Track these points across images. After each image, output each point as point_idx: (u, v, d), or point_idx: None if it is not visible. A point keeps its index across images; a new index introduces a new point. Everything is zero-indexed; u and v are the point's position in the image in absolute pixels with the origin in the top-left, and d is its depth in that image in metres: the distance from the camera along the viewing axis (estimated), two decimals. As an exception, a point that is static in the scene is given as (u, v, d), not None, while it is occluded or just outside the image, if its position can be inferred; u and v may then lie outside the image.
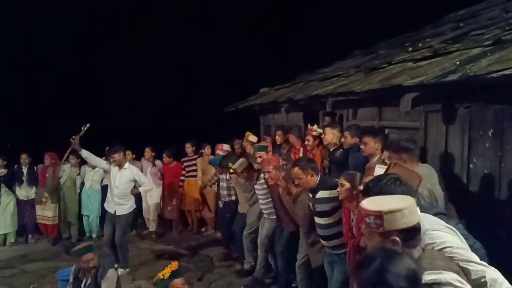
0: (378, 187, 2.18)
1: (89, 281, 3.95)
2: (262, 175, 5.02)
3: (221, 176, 6.35)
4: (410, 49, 5.62)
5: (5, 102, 9.82)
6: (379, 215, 1.77)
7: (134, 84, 11.46)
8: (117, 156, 5.78)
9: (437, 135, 4.08)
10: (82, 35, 10.92)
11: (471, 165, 3.68)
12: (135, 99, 11.47)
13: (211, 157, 7.35)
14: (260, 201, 5.19)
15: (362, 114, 5.49)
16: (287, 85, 8.16)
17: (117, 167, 5.84)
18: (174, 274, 3.42)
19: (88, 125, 5.77)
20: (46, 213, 7.30)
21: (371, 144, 4.04)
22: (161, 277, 3.42)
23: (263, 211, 5.21)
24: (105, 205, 6.11)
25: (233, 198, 6.19)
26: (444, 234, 1.97)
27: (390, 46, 7.33)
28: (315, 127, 5.13)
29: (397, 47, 6.77)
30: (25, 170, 7.31)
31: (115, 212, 5.87)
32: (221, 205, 6.49)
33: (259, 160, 4.99)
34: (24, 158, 7.30)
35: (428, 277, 1.63)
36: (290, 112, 7.06)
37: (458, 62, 3.66)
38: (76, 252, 4.12)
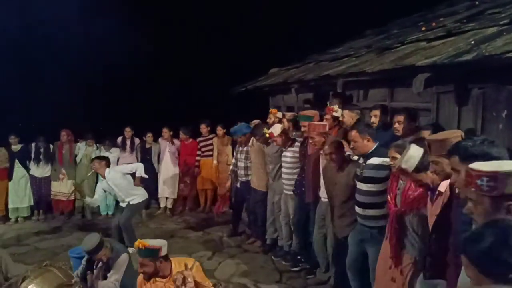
0: (469, 147, 1.99)
1: (100, 263, 4.00)
2: (297, 143, 5.13)
3: (238, 156, 6.36)
4: (423, 28, 5.51)
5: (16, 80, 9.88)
6: (494, 175, 1.59)
7: (147, 66, 11.45)
8: (97, 164, 5.83)
9: (449, 116, 4.03)
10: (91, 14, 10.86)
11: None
12: (149, 82, 11.49)
13: (226, 137, 7.42)
14: (285, 170, 5.22)
15: (373, 94, 5.44)
16: (297, 66, 8.07)
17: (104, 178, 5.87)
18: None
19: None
20: (62, 189, 7.48)
21: (405, 123, 3.99)
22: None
23: (285, 186, 5.25)
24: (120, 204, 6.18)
25: (250, 178, 6.21)
26: None
27: (403, 25, 7.19)
28: (336, 107, 5.00)
29: (409, 26, 6.63)
30: (42, 149, 7.46)
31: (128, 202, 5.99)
32: (238, 185, 6.49)
33: (304, 128, 4.93)
34: (41, 140, 7.45)
35: None
36: (300, 93, 7.01)
37: (473, 42, 3.58)
38: (89, 251, 3.94)
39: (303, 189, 4.93)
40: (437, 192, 2.69)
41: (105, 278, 3.91)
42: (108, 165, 5.88)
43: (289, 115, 5.74)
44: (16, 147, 7.38)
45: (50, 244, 6.40)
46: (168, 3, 11.35)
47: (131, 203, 5.93)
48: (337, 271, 4.40)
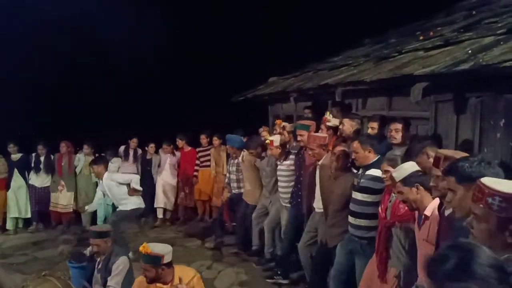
0: (467, 168, 2.01)
1: (100, 265, 4.01)
2: (291, 156, 5.13)
3: (230, 168, 6.37)
4: (421, 37, 5.55)
5: (20, 90, 9.91)
6: (509, 197, 1.56)
7: (147, 76, 11.49)
8: (96, 168, 5.81)
9: (447, 125, 4.04)
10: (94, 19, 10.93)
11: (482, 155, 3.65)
12: (149, 91, 11.51)
13: (222, 147, 7.42)
14: (281, 183, 5.22)
15: (372, 103, 5.46)
16: (296, 74, 8.10)
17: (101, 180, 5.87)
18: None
19: None
20: (61, 200, 7.45)
21: (403, 132, 4.00)
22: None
23: (282, 198, 5.26)
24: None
25: (243, 190, 6.22)
26: None
27: (401, 34, 7.24)
28: (330, 116, 5.06)
29: (407, 35, 6.68)
30: (42, 159, 7.46)
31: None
32: (229, 197, 6.48)
33: (300, 138, 4.95)
34: (40, 149, 7.45)
35: None
36: (299, 102, 7.03)
37: (470, 51, 3.61)
38: (92, 232, 4.18)
39: (299, 200, 4.92)
40: (423, 216, 2.73)
41: (105, 281, 3.91)
42: (106, 167, 5.86)
43: (289, 126, 5.68)
44: (15, 156, 7.37)
45: (48, 254, 6.37)
46: (165, 13, 11.41)
47: (121, 208, 5.91)
48: (315, 279, 4.42)
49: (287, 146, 5.35)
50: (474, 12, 5.80)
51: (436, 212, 2.62)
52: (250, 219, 5.94)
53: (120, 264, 3.92)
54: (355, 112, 5.53)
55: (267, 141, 5.36)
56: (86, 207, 6.16)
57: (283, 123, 5.96)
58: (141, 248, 3.30)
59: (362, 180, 3.77)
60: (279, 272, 5.18)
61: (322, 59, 8.53)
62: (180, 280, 3.14)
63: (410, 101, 4.07)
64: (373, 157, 3.80)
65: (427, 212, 2.70)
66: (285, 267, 5.15)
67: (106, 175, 5.78)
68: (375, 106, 5.36)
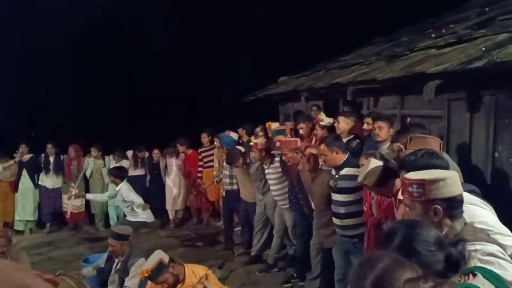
0: (413, 161, 2.22)
1: (119, 265, 4.04)
2: (276, 159, 5.11)
3: (224, 164, 6.36)
4: (433, 35, 5.48)
5: (30, 92, 10.05)
6: (421, 183, 1.80)
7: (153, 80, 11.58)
8: (113, 179, 5.85)
9: (461, 123, 4.00)
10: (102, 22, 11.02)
11: (496, 154, 3.61)
12: (155, 93, 11.59)
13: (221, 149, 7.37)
14: (273, 187, 5.22)
15: (384, 102, 5.42)
16: (307, 73, 8.08)
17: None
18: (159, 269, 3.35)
19: None
20: (73, 201, 7.47)
21: (386, 129, 4.02)
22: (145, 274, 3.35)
23: (277, 201, 5.25)
24: None
25: (235, 187, 6.21)
26: (480, 209, 1.98)
27: (412, 32, 7.17)
28: (323, 116, 5.06)
29: (419, 33, 6.61)
30: (51, 159, 7.48)
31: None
32: (223, 194, 6.51)
33: (278, 143, 4.96)
34: (49, 148, 7.48)
35: (471, 247, 1.65)
36: (310, 101, 7.00)
37: (484, 48, 3.56)
38: (110, 232, 4.24)
39: (300, 202, 4.88)
40: (398, 200, 2.82)
41: (122, 282, 3.94)
42: (123, 179, 5.81)
43: (289, 124, 5.70)
44: (25, 157, 7.40)
45: (62, 254, 6.45)
46: (176, 15, 11.47)
47: (128, 218, 5.92)
48: (324, 280, 4.44)
49: (273, 150, 5.29)
50: (487, 9, 5.71)
51: None
52: (253, 217, 5.94)
53: (139, 266, 3.94)
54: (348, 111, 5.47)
55: (251, 143, 5.34)
56: (88, 195, 6.29)
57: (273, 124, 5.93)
58: (141, 276, 3.38)
59: (338, 182, 3.79)
60: (295, 275, 5.16)
61: (333, 58, 8.49)
62: (206, 276, 3.17)
63: (422, 100, 4.05)
64: (342, 157, 3.83)
65: (400, 195, 2.76)
66: (302, 268, 5.12)
67: (121, 185, 5.77)
68: (387, 105, 5.32)
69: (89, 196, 6.62)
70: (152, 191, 7.68)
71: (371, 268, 1.24)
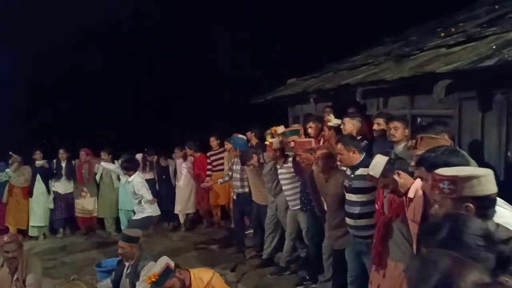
0: (432, 158, 2.17)
1: (129, 269, 4.07)
2: (290, 159, 5.12)
3: (234, 167, 6.37)
4: (442, 34, 5.45)
5: (44, 99, 10.17)
6: (453, 180, 1.76)
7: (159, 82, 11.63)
8: (124, 170, 5.92)
9: (472, 122, 3.95)
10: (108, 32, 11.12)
11: (508, 153, 3.56)
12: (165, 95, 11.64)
13: (236, 151, 7.37)
14: (285, 187, 5.21)
15: (393, 102, 5.38)
16: (315, 75, 8.06)
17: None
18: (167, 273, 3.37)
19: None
20: (86, 206, 7.58)
21: (401, 130, 3.98)
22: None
23: (289, 202, 5.23)
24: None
25: (246, 189, 6.21)
26: (504, 210, 1.93)
27: (421, 32, 7.12)
28: (331, 117, 5.05)
29: (428, 33, 6.56)
30: (63, 164, 7.57)
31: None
32: (234, 197, 6.51)
33: (292, 144, 4.96)
34: (61, 153, 7.58)
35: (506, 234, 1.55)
36: (319, 103, 6.99)
37: (494, 47, 3.53)
38: (122, 234, 4.30)
39: (312, 203, 4.87)
40: (408, 198, 2.87)
41: (133, 286, 3.96)
42: (136, 170, 5.92)
43: (280, 129, 5.62)
44: (39, 163, 7.50)
45: (76, 259, 6.51)
46: (184, 16, 11.52)
47: (134, 217, 5.96)
48: (336, 283, 4.42)
49: (286, 150, 5.30)
50: (497, 7, 5.66)
51: (420, 193, 2.72)
52: (260, 217, 5.96)
53: (149, 269, 3.96)
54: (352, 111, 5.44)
55: (266, 142, 5.35)
56: (102, 163, 6.45)
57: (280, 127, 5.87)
58: (148, 281, 3.38)
59: (353, 181, 3.78)
60: (307, 277, 5.15)
61: (341, 58, 8.47)
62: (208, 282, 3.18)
63: (433, 99, 4.02)
64: (358, 157, 3.82)
65: (410, 194, 2.84)
66: (314, 270, 5.10)
67: (134, 176, 5.82)
68: (396, 105, 5.28)
69: (103, 163, 6.71)
70: (162, 195, 7.71)
71: (434, 268, 1.18)
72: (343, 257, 4.09)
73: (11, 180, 7.27)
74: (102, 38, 11.07)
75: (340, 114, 5.43)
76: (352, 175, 3.82)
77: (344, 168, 4.03)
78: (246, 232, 6.77)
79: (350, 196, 3.83)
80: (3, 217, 7.36)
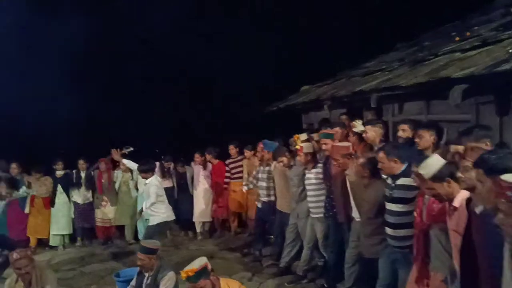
0: (493, 160, 2.04)
1: (149, 280, 4.10)
2: (319, 164, 5.09)
3: (259, 175, 6.38)
4: (457, 38, 5.42)
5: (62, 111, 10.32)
6: None
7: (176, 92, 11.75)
8: (142, 174, 5.97)
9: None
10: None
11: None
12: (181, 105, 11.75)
13: (256, 158, 7.38)
14: (310, 193, 5.18)
15: (409, 108, 5.36)
16: (329, 82, 8.08)
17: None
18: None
19: (131, 148, 6.40)
20: (105, 215, 7.68)
21: (427, 137, 3.92)
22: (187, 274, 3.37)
23: (311, 209, 5.21)
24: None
25: (272, 198, 6.19)
26: None
27: (435, 36, 7.10)
28: (357, 122, 4.99)
29: (442, 37, 6.54)
30: (83, 174, 7.70)
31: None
32: (259, 205, 6.50)
33: (324, 147, 4.93)
34: (81, 163, 7.70)
35: None
36: (333, 109, 6.99)
37: (511, 50, 3.51)
38: (140, 246, 4.29)
39: (334, 210, 4.86)
40: (452, 207, 2.77)
41: None
42: (153, 172, 5.99)
43: (316, 135, 5.57)
44: (59, 173, 7.64)
45: (94, 268, 6.56)
46: (198, 27, 11.63)
47: (148, 224, 5.98)
48: None
49: (317, 155, 5.28)
50: (512, 10, 5.62)
51: (465, 205, 2.65)
52: (282, 225, 5.93)
53: (168, 280, 3.99)
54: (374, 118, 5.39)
55: (296, 147, 5.31)
56: (124, 160, 6.44)
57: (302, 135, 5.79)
58: (184, 275, 3.37)
59: (394, 191, 3.72)
60: (326, 286, 5.12)
61: (354, 65, 8.47)
62: None
63: (449, 104, 3.99)
64: (400, 167, 3.73)
65: (456, 203, 2.75)
66: (333, 279, 5.06)
67: (152, 178, 5.87)
68: (412, 110, 5.26)
69: (124, 161, 6.70)
70: (181, 203, 7.76)
71: None
72: (371, 266, 4.02)
73: (30, 193, 7.37)
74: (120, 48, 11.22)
75: (355, 120, 5.42)
76: (393, 185, 3.75)
77: (385, 177, 3.96)
78: (267, 238, 6.74)
79: (390, 206, 3.75)
80: (25, 228, 7.47)
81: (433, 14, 8.47)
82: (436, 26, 7.93)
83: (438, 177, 2.81)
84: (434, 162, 2.87)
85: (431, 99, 4.84)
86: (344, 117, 6.06)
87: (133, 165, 6.50)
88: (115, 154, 6.42)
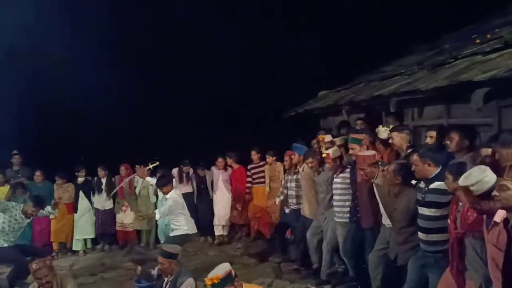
0: None
1: (168, 285, 4.14)
2: (347, 170, 5.07)
3: (288, 184, 6.39)
4: (477, 41, 5.35)
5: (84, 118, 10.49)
6: None
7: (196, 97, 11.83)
8: (165, 189, 5.88)
9: (513, 131, 3.84)
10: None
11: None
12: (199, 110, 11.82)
13: (278, 164, 7.38)
14: (336, 197, 5.15)
15: (429, 112, 5.30)
16: (347, 87, 8.05)
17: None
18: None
19: (157, 162, 6.37)
20: (125, 220, 7.80)
21: (457, 140, 3.84)
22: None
23: (337, 213, 5.18)
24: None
25: (301, 206, 6.15)
26: None
27: (455, 39, 7.01)
28: (382, 128, 4.90)
29: (462, 40, 6.46)
30: (103, 181, 7.83)
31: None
32: (286, 211, 6.48)
33: (352, 151, 4.90)
34: (100, 170, 7.83)
35: None
36: (351, 114, 6.96)
37: (533, 53, 3.45)
38: (161, 250, 4.34)
39: (358, 215, 4.83)
40: (492, 222, 2.69)
41: None
42: (172, 186, 5.99)
43: (339, 140, 5.51)
44: (81, 180, 7.80)
45: (115, 274, 6.63)
46: (216, 31, 11.70)
47: (170, 234, 5.98)
48: None
49: (344, 159, 5.25)
50: (534, 10, 5.52)
51: (503, 226, 2.60)
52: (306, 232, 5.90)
53: (188, 285, 4.01)
54: (404, 123, 5.35)
55: (323, 154, 5.28)
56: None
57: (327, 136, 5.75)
58: (209, 282, 3.34)
59: (427, 195, 3.67)
60: None
61: (372, 69, 8.42)
62: None
63: (470, 108, 3.94)
64: (433, 170, 3.68)
65: (497, 218, 2.66)
66: (360, 284, 5.03)
67: (172, 192, 5.84)
68: (432, 114, 5.20)
69: (148, 179, 6.55)
70: (200, 208, 7.80)
71: None
72: (398, 271, 4.01)
73: (55, 213, 7.41)
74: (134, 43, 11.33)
75: (374, 125, 5.38)
76: (426, 188, 3.70)
77: (414, 182, 3.92)
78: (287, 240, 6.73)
79: (423, 210, 3.71)
80: (49, 233, 7.64)
81: (453, 16, 8.34)
82: (456, 29, 7.83)
83: (488, 195, 2.66)
84: (488, 178, 2.68)
85: (452, 103, 4.78)
86: (359, 121, 6.03)
87: (154, 181, 6.49)
88: (140, 172, 6.42)
